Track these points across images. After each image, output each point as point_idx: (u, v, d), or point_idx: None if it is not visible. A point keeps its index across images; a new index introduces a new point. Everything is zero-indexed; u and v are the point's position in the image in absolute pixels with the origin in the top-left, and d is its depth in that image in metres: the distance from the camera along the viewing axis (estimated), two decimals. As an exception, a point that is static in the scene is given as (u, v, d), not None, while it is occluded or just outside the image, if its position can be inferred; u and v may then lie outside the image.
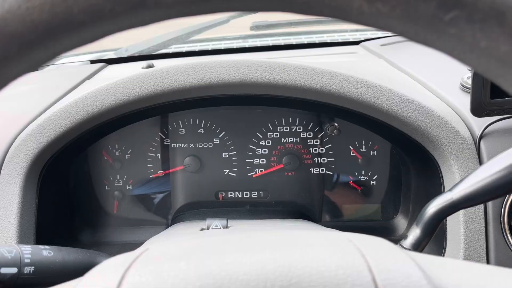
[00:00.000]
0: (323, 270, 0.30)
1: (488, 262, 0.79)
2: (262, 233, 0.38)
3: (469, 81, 0.91)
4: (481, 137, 0.82)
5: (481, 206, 0.80)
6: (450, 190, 0.60)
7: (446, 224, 0.84)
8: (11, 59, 0.25)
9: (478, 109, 0.77)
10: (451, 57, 0.28)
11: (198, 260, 0.32)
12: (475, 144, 0.82)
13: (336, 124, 1.04)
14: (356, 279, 0.30)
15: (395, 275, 0.30)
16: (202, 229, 0.78)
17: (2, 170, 0.84)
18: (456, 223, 0.81)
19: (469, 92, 0.90)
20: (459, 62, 0.28)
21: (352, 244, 0.34)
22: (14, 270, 0.50)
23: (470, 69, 0.90)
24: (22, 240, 0.81)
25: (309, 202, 1.07)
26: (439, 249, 0.85)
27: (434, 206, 0.60)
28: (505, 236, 0.79)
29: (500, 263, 0.78)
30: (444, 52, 0.28)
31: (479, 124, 0.84)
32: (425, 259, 0.34)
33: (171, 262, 0.32)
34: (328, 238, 0.36)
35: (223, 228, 0.76)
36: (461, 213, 0.80)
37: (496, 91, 0.76)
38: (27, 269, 0.51)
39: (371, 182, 1.07)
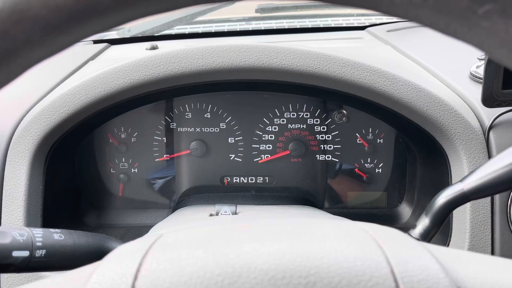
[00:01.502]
0: (341, 261, 0.30)
1: (493, 253, 0.79)
2: (277, 221, 0.38)
3: (479, 71, 0.91)
4: (490, 127, 0.81)
5: (488, 197, 0.80)
6: (460, 181, 0.60)
7: (452, 214, 0.84)
8: (34, 44, 0.24)
9: (489, 99, 0.77)
10: (480, 50, 0.28)
11: (216, 248, 0.32)
12: (484, 135, 0.82)
13: (344, 112, 1.04)
14: (375, 270, 0.30)
15: (413, 267, 0.30)
16: (211, 215, 0.78)
17: (9, 152, 0.83)
18: (462, 214, 0.81)
19: (478, 82, 0.90)
20: (488, 55, 0.28)
21: (368, 235, 0.34)
22: (26, 253, 0.51)
23: (482, 58, 0.89)
24: (29, 222, 0.81)
25: (314, 189, 1.07)
26: (444, 239, 0.85)
27: (444, 197, 0.60)
28: (511, 228, 0.79)
29: (505, 254, 0.78)
30: (473, 45, 0.27)
31: (488, 114, 0.84)
32: (441, 251, 0.34)
33: (188, 250, 0.32)
34: (343, 228, 0.36)
35: (232, 214, 0.76)
36: (467, 203, 0.79)
37: (508, 82, 0.75)
38: (39, 253, 0.51)
39: (377, 170, 1.07)
